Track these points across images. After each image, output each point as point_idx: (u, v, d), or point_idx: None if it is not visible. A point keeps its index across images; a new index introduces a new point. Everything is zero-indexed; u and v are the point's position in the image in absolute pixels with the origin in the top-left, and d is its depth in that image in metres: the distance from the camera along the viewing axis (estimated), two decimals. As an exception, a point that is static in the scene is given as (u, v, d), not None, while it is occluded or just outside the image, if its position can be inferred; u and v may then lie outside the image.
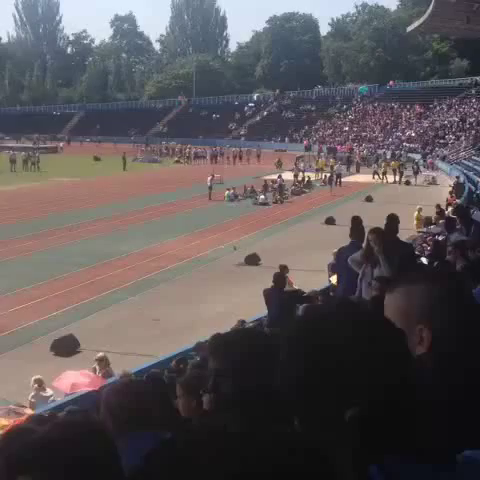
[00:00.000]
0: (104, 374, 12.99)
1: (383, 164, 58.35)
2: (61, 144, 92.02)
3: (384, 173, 54.31)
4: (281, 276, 12.97)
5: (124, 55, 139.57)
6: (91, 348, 15.87)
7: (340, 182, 50.20)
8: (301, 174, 52.93)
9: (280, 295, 12.37)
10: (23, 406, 11.64)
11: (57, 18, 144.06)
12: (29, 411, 11.03)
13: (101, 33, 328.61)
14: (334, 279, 16.27)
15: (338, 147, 78.27)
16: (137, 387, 3.92)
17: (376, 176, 54.35)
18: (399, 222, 10.86)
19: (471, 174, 48.07)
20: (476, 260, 6.66)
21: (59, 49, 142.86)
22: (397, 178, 52.49)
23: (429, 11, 43.96)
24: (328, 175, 51.31)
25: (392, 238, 10.79)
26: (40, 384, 12.52)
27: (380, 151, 73.09)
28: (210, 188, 43.85)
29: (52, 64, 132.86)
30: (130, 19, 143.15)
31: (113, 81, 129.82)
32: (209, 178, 44.47)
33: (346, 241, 11.39)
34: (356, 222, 11.21)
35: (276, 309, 11.78)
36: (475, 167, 51.72)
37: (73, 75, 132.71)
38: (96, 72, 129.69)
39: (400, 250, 9.76)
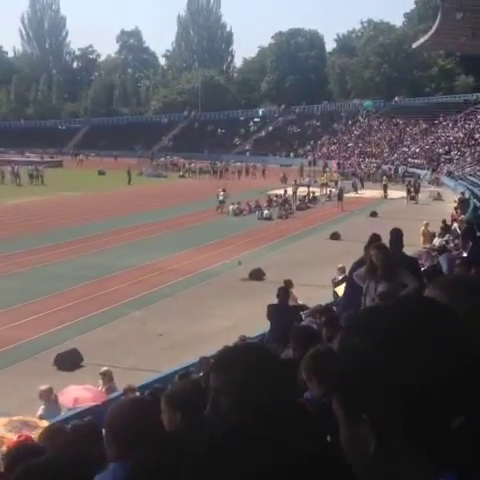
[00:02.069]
0: (107, 389, 12.93)
1: (384, 178, 58.50)
2: (81, 156, 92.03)
3: (385, 188, 54.36)
4: (285, 291, 12.89)
5: (130, 70, 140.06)
6: (94, 363, 15.82)
7: (342, 197, 49.82)
8: (305, 189, 52.84)
9: (283, 310, 12.30)
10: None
11: (63, 33, 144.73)
12: (42, 423, 10.80)
13: (107, 48, 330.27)
14: (340, 291, 16.25)
15: (346, 163, 78.44)
16: (141, 405, 3.89)
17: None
18: (403, 236, 10.81)
19: (476, 190, 48.04)
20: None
21: (65, 64, 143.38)
22: (404, 194, 52.24)
23: (435, 27, 44.14)
24: (333, 190, 51.30)
25: (396, 252, 10.75)
26: (50, 394, 12.34)
27: (385, 166, 73.14)
28: (222, 202, 44.41)
29: (58, 79, 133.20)
30: (136, 34, 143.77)
31: (118, 96, 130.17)
32: (221, 192, 44.85)
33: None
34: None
35: (278, 324, 11.70)
36: (480, 183, 51.74)
37: (79, 90, 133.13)
38: (102, 87, 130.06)
39: (405, 264, 9.71)
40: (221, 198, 44.66)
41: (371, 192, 56.11)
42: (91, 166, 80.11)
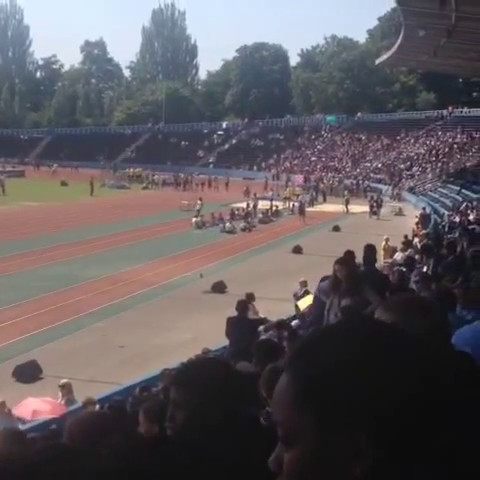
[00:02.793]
0: (66, 401, 12.81)
1: (346, 193, 58.92)
2: (55, 166, 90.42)
3: (347, 203, 54.73)
4: (244, 304, 12.88)
5: (94, 80, 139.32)
6: (54, 374, 15.69)
7: (303, 212, 49.93)
8: (268, 202, 53.02)
9: (242, 323, 12.27)
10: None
11: (27, 42, 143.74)
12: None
13: (71, 58, 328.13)
14: (302, 305, 16.28)
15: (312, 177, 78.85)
16: (101, 418, 3.86)
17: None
18: (376, 252, 10.94)
19: (437, 205, 48.57)
20: (442, 291, 6.69)
21: (28, 73, 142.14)
22: (366, 209, 52.51)
23: (397, 44, 44.59)
24: (296, 204, 51.49)
25: (370, 268, 10.85)
26: (3, 407, 12.22)
27: (347, 181, 73.64)
28: (198, 211, 46.40)
29: (21, 88, 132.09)
30: (100, 45, 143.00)
31: (82, 106, 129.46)
32: (198, 202, 47.82)
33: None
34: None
35: (238, 338, 11.66)
36: (441, 199, 52.30)
37: (42, 99, 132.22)
38: (65, 97, 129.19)
39: (375, 280, 9.77)
40: (198, 207, 46.51)
41: (333, 206, 56.39)
42: (54, 177, 79.56)
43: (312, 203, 57.30)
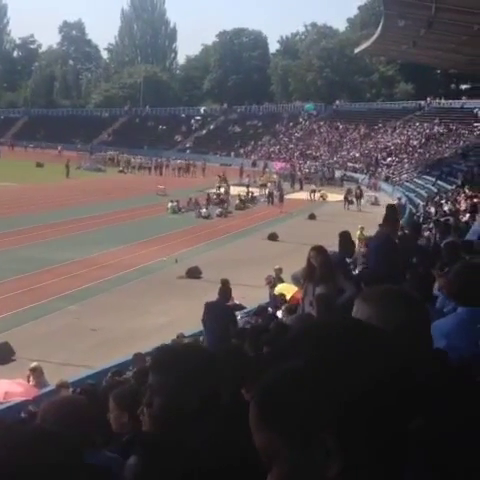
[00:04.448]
0: (37, 384, 12.74)
1: (313, 185, 59.09)
2: (60, 148, 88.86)
3: (313, 191, 55.09)
4: (227, 289, 12.86)
5: (71, 62, 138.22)
6: (26, 357, 15.59)
7: (272, 200, 50.12)
8: (244, 189, 53.05)
9: (222, 308, 12.27)
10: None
11: (4, 21, 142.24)
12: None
13: (49, 38, 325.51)
14: (282, 289, 16.28)
15: (283, 164, 78.83)
16: (74, 404, 3.84)
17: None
18: (351, 239, 11.04)
19: (412, 196, 48.80)
20: (419, 281, 6.71)
21: (5, 52, 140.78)
22: (341, 197, 52.56)
23: (377, 34, 44.66)
24: (274, 191, 51.54)
25: (345, 256, 10.92)
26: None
27: (324, 169, 73.77)
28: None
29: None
30: (79, 26, 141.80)
31: (59, 87, 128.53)
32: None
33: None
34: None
35: (216, 322, 11.64)
36: (416, 189, 52.53)
37: (18, 79, 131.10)
38: (42, 77, 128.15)
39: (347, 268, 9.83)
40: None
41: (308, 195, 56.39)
42: (29, 157, 78.93)
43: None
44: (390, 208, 11.13)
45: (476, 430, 1.97)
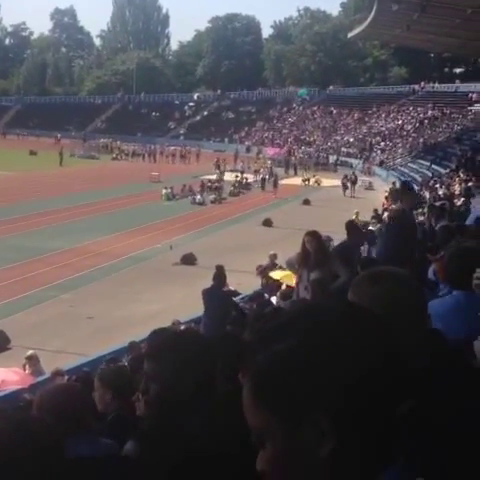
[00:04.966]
0: (33, 372, 12.75)
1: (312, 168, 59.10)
2: (59, 136, 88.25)
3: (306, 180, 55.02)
4: (222, 275, 12.78)
5: (64, 49, 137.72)
6: (22, 345, 15.58)
7: (264, 186, 50.14)
8: (237, 174, 53.00)
9: (220, 294, 12.23)
10: None
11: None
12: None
13: (41, 26, 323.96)
14: (277, 275, 16.27)
15: (277, 149, 78.85)
16: (69, 391, 3.83)
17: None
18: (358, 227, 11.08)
19: (407, 180, 48.76)
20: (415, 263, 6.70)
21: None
22: (337, 182, 52.44)
23: (370, 18, 44.55)
24: (267, 177, 51.53)
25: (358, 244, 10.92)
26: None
27: (319, 154, 73.87)
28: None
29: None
30: (70, 13, 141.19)
31: (51, 75, 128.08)
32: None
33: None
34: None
35: (215, 309, 11.62)
36: (411, 174, 52.51)
37: (10, 67, 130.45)
38: (34, 65, 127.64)
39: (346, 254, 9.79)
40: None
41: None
42: (23, 145, 78.64)
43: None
44: (406, 185, 11.11)
45: (470, 413, 1.96)
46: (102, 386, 4.65)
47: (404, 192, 10.28)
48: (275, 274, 16.59)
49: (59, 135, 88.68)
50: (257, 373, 1.23)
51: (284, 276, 15.34)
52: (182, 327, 11.78)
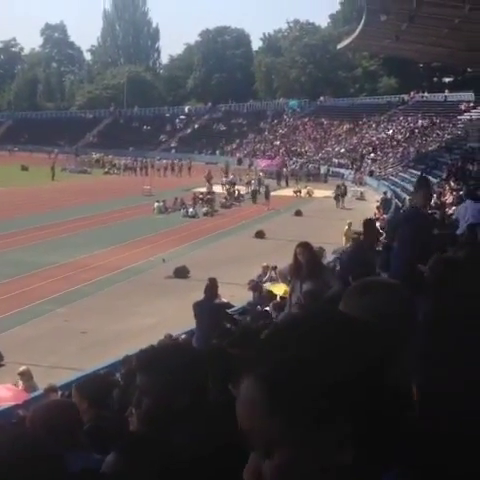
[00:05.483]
0: (27, 388, 12.71)
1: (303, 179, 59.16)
2: (56, 151, 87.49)
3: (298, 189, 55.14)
4: (213, 287, 12.80)
5: (54, 64, 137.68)
6: (16, 361, 15.53)
7: (255, 198, 50.17)
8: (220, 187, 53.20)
9: (211, 306, 12.23)
10: None
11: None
12: None
13: (31, 41, 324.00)
14: (277, 289, 16.24)
15: (268, 161, 78.97)
16: (62, 407, 3.85)
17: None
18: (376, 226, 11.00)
19: (398, 190, 48.88)
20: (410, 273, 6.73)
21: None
22: (328, 193, 52.43)
23: (359, 29, 44.70)
24: (258, 188, 51.61)
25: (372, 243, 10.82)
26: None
27: (310, 165, 74.00)
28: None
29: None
30: (61, 28, 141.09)
31: (42, 90, 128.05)
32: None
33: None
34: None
35: (206, 321, 11.63)
36: (402, 183, 52.62)
37: (1, 83, 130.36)
38: (25, 80, 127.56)
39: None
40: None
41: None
42: (14, 161, 78.52)
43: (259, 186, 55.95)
44: (423, 179, 10.72)
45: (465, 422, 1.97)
46: (78, 395, 4.70)
47: (417, 187, 9.79)
48: (277, 288, 16.51)
49: (56, 150, 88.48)
50: (269, 375, 1.19)
51: (279, 289, 15.34)
52: (173, 340, 11.79)
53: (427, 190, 9.34)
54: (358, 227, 28.00)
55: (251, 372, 1.23)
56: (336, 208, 46.70)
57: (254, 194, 50.28)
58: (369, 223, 11.45)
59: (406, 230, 8.67)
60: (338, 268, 10.09)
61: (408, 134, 74.16)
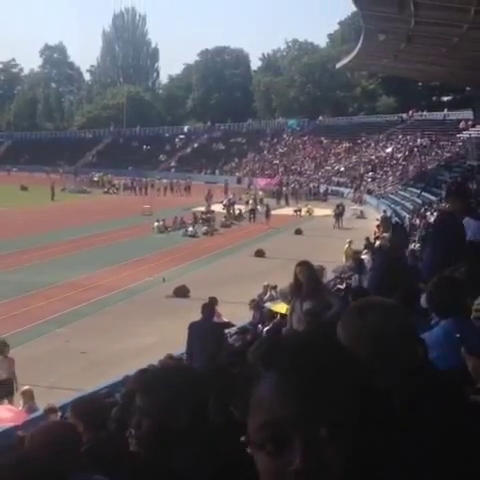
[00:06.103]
0: (28, 408, 12.66)
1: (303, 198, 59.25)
2: (61, 170, 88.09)
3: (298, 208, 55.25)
4: (210, 307, 12.73)
5: (54, 84, 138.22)
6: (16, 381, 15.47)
7: (254, 217, 50.21)
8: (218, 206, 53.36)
9: (206, 327, 12.12)
10: None
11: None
12: None
13: (30, 62, 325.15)
14: (279, 308, 16.17)
15: (267, 180, 79.14)
16: (62, 429, 3.83)
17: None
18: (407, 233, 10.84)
19: (398, 208, 48.94)
20: (405, 293, 6.70)
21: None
22: (327, 212, 52.45)
23: (357, 48, 44.83)
24: (258, 207, 51.68)
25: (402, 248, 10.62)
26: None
27: (310, 184, 74.18)
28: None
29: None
30: (60, 49, 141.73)
31: (42, 110, 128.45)
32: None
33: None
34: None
35: (201, 342, 11.47)
36: (402, 201, 52.70)
37: (1, 103, 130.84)
38: (24, 101, 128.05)
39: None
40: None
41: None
42: (13, 181, 78.61)
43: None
44: (460, 185, 10.41)
45: (461, 444, 1.96)
46: (73, 416, 4.69)
47: (453, 194, 9.55)
48: (278, 307, 16.45)
49: (61, 170, 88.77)
50: (305, 374, 1.22)
51: (281, 308, 15.27)
52: (173, 361, 11.72)
53: (462, 197, 9.16)
54: (359, 246, 28.10)
55: (282, 367, 1.24)
56: (334, 229, 46.55)
57: (252, 213, 50.24)
58: (396, 226, 11.29)
59: (438, 236, 8.45)
60: (369, 286, 9.71)
61: (407, 152, 74.30)
